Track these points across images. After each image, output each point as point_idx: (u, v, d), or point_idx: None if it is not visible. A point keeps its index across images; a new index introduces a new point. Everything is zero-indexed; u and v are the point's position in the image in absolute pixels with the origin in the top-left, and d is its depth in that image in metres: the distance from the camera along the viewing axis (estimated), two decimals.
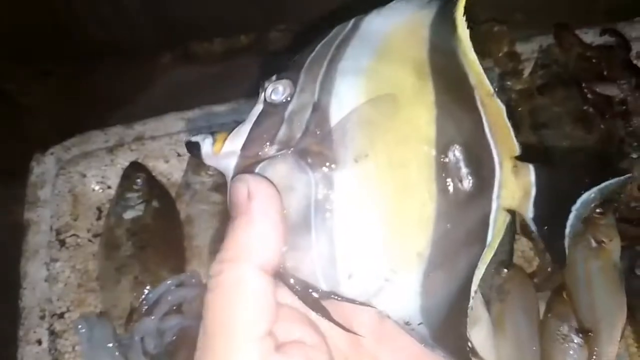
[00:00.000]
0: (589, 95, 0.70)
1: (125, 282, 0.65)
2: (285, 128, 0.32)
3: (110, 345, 0.64)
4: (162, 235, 0.67)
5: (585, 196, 0.33)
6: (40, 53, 0.85)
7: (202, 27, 0.87)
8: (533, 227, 0.33)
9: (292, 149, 0.31)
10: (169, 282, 0.64)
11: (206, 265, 0.66)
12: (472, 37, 0.34)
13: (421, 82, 0.32)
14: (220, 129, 0.34)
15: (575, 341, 0.56)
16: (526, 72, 0.76)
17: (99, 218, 0.74)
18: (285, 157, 0.31)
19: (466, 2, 0.34)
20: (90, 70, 0.85)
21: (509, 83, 0.74)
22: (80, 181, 0.75)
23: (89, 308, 0.69)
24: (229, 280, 0.29)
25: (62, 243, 0.71)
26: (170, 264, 0.66)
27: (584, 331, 0.56)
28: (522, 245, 0.69)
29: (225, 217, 0.67)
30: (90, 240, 0.72)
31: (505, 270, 0.61)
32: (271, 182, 0.31)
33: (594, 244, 0.61)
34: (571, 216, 0.33)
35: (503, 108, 0.33)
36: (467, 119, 0.32)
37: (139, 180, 0.70)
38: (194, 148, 0.34)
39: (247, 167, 0.32)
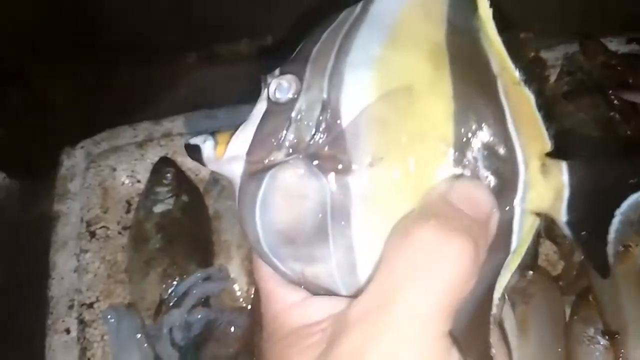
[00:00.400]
0: (614, 102, 0.71)
1: (154, 274, 0.66)
2: (293, 129, 0.30)
3: (139, 335, 0.65)
4: (190, 229, 0.68)
5: (634, 198, 0.30)
6: (71, 50, 0.86)
7: (229, 28, 0.88)
8: (568, 233, 0.31)
9: (302, 153, 0.29)
10: (196, 275, 0.65)
11: (233, 260, 0.67)
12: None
13: (438, 71, 0.29)
14: (221, 129, 0.32)
15: (601, 343, 0.57)
16: (552, 79, 0.77)
17: (128, 211, 0.75)
18: (296, 162, 0.29)
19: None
20: (119, 68, 0.86)
21: (533, 88, 0.75)
22: (110, 175, 0.76)
23: (117, 299, 0.70)
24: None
25: (92, 234, 0.73)
26: (198, 258, 0.67)
27: (611, 334, 0.56)
28: (546, 248, 0.70)
29: None
30: (119, 233, 0.74)
31: (530, 272, 0.62)
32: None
33: (620, 247, 0.62)
34: (615, 221, 0.30)
35: (531, 97, 0.30)
36: (488, 112, 0.29)
37: (168, 174, 0.71)
38: (194, 152, 0.32)
39: (255, 173, 0.30)
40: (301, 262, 0.30)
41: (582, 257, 0.65)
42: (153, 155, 0.76)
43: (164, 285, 0.66)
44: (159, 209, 0.70)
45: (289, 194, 0.29)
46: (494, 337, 0.30)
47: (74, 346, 0.68)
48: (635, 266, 0.62)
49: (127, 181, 0.76)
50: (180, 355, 0.61)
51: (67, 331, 0.69)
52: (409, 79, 0.29)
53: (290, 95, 0.30)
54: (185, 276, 0.65)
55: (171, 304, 0.64)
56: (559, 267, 0.68)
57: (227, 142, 0.31)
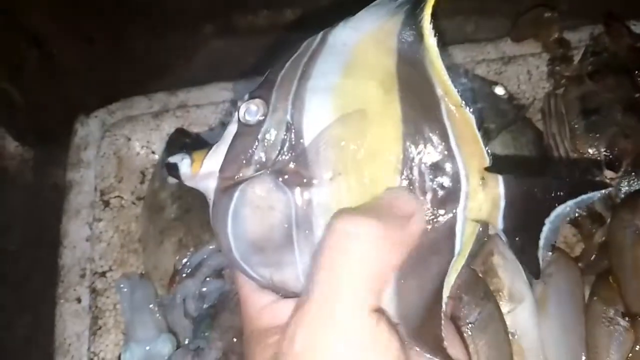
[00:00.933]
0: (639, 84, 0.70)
1: (168, 244, 0.66)
2: (260, 148, 0.33)
3: (152, 305, 0.65)
4: (206, 199, 0.68)
5: (560, 209, 0.33)
6: (86, 18, 0.85)
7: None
8: (504, 238, 0.34)
9: (269, 169, 0.33)
10: (211, 246, 0.65)
11: None
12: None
13: (389, 96, 0.33)
14: (196, 147, 0.35)
15: (622, 324, 0.56)
16: (576, 59, 0.76)
17: (142, 182, 0.74)
18: (263, 178, 0.33)
19: (433, 9, 0.34)
20: (135, 37, 0.85)
21: (558, 68, 0.74)
22: (125, 144, 0.76)
23: (130, 269, 0.69)
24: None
25: (106, 204, 0.72)
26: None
27: (631, 315, 0.55)
28: (565, 231, 0.69)
29: None
30: (133, 203, 0.73)
31: (550, 253, 0.61)
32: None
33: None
34: (545, 229, 0.33)
35: (472, 118, 0.33)
36: (434, 132, 0.33)
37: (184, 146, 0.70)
38: (172, 169, 0.35)
39: (227, 188, 0.33)
40: (270, 268, 0.33)
41: (603, 238, 0.64)
42: (168, 126, 0.75)
43: (178, 256, 0.65)
44: (173, 180, 0.69)
45: (258, 207, 0.32)
46: (448, 332, 0.32)
47: (84, 315, 0.67)
48: None
49: (142, 151, 0.76)
50: (194, 325, 0.61)
51: (79, 300, 0.69)
52: (363, 104, 0.33)
53: (258, 118, 0.33)
54: (200, 246, 0.65)
55: (185, 274, 0.64)
56: (577, 250, 0.68)
57: (202, 160, 0.34)
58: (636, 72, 0.70)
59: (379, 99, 0.33)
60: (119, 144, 0.75)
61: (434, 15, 0.34)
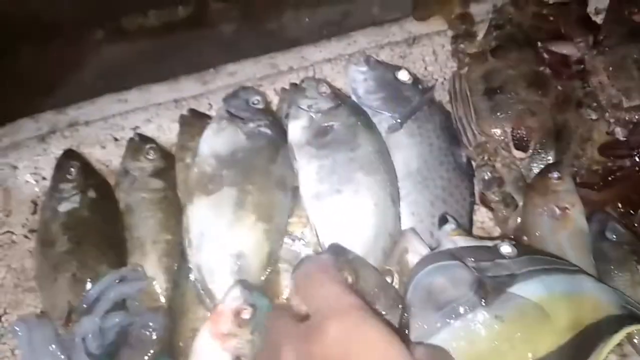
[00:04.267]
0: (544, 56, 0.67)
1: (62, 280, 0.61)
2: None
3: (53, 346, 0.60)
4: (99, 227, 0.63)
5: None
6: None
7: None
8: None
9: None
10: (109, 277, 0.60)
11: (149, 257, 0.62)
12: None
13: None
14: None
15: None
16: (480, 34, 0.73)
17: (34, 212, 0.69)
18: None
19: None
20: (15, 53, 0.78)
21: (462, 46, 0.71)
22: (11, 174, 0.70)
23: (28, 309, 0.64)
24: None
25: None
26: (110, 258, 0.62)
27: None
28: (482, 216, 0.67)
29: (167, 205, 0.63)
30: (26, 237, 0.67)
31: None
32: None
33: (557, 212, 0.59)
34: None
35: None
36: None
37: (72, 169, 0.65)
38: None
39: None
40: None
41: (519, 219, 0.63)
42: (57, 148, 0.70)
43: (74, 291, 0.60)
44: (64, 207, 0.64)
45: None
46: None
47: None
48: (577, 228, 0.59)
49: (31, 179, 0.70)
50: None
51: None
52: None
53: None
54: (97, 279, 0.60)
55: (83, 310, 0.59)
56: (495, 234, 0.66)
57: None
58: (539, 44, 0.68)
59: None
60: (4, 174, 0.69)
61: None
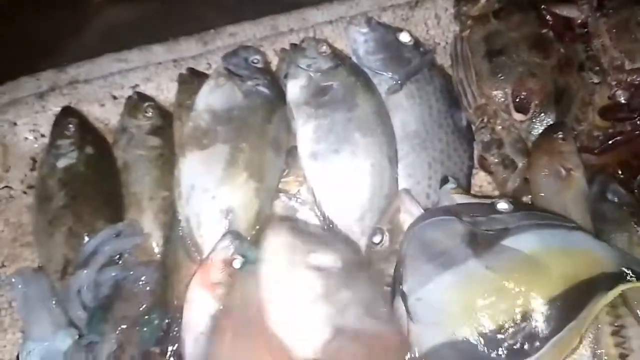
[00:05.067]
0: (547, 18, 0.66)
1: (59, 234, 0.61)
2: None
3: (49, 299, 0.60)
4: (96, 183, 0.63)
5: None
6: None
7: None
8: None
9: None
10: (105, 232, 0.60)
11: (145, 213, 0.62)
12: None
13: None
14: None
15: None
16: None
17: (33, 169, 0.69)
18: None
19: None
20: (18, 13, 0.78)
21: (465, 8, 0.70)
22: (10, 130, 0.70)
23: (25, 263, 0.65)
24: None
25: None
26: (107, 214, 0.62)
27: None
28: (480, 179, 0.67)
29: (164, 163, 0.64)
30: (24, 192, 0.68)
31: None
32: None
33: (563, 172, 0.58)
34: None
35: None
36: None
37: (70, 125, 0.65)
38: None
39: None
40: None
41: (518, 181, 0.62)
42: (55, 106, 0.70)
43: (69, 246, 0.60)
44: (62, 163, 0.64)
45: None
46: None
47: None
48: (579, 190, 0.59)
49: (30, 136, 0.70)
50: (87, 319, 0.56)
51: None
52: None
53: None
54: (93, 234, 0.60)
55: (79, 264, 0.59)
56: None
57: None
58: (542, 6, 0.67)
59: None
60: (3, 130, 0.70)
61: None
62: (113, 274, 0.58)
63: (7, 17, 0.80)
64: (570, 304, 0.47)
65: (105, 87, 0.70)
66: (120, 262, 0.60)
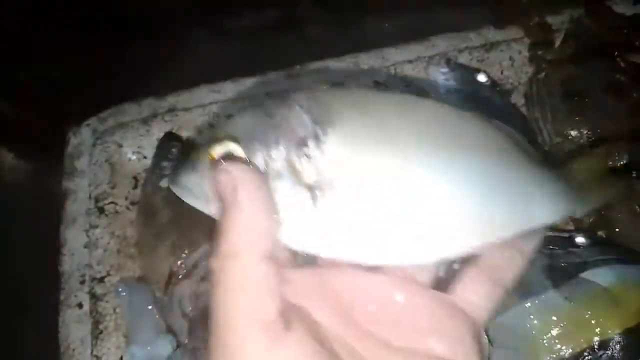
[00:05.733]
0: (621, 65, 0.70)
1: (163, 247, 0.67)
2: None
3: (150, 307, 0.66)
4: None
5: None
6: (74, 25, 0.87)
7: (234, 1, 0.88)
8: None
9: None
10: (205, 247, 0.66)
11: None
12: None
13: None
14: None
15: None
16: (557, 43, 0.76)
17: (135, 187, 0.76)
18: None
19: None
20: (123, 44, 0.86)
21: (539, 53, 0.74)
22: (116, 151, 0.77)
23: (128, 273, 0.71)
24: (230, 275, 0.31)
25: (101, 210, 0.74)
26: (206, 230, 0.68)
27: None
28: None
29: None
30: (128, 208, 0.74)
31: None
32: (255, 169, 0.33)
33: (638, 209, 0.61)
34: None
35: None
36: None
37: (173, 149, 0.72)
38: None
39: None
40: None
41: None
42: (158, 130, 0.76)
43: (172, 258, 0.66)
44: (165, 183, 0.70)
45: None
46: None
47: (86, 320, 0.69)
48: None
49: (133, 157, 0.77)
50: (191, 325, 0.62)
51: (80, 305, 0.70)
52: None
53: None
54: (194, 248, 0.66)
55: (180, 276, 0.65)
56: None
57: None
58: (616, 53, 0.71)
59: None
60: (110, 151, 0.77)
61: None
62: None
63: (110, 45, 0.88)
64: None
65: (203, 116, 0.77)
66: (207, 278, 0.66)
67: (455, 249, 0.35)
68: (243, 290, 0.30)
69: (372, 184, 0.34)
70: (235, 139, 0.34)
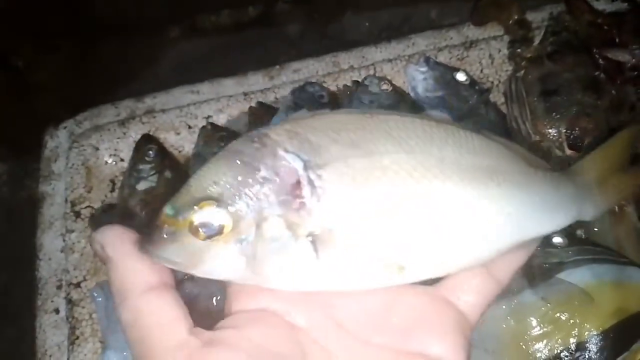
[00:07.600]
0: (600, 61, 0.70)
1: None
2: None
3: None
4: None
5: None
6: (50, 28, 0.85)
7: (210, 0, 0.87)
8: None
9: None
10: None
11: None
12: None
13: None
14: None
15: None
16: (536, 40, 0.76)
17: (112, 190, 0.75)
18: None
19: None
20: (99, 46, 0.85)
21: (518, 50, 0.74)
22: (93, 154, 0.76)
23: (104, 277, 0.70)
24: (129, 317, 0.32)
25: (77, 214, 0.73)
26: None
27: None
28: None
29: None
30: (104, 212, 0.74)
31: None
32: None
33: (616, 208, 0.61)
34: None
35: None
36: None
37: (150, 152, 0.71)
38: None
39: None
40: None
41: None
42: (135, 133, 0.76)
43: None
44: (142, 186, 0.69)
45: None
46: None
47: (63, 325, 0.68)
48: (631, 224, 0.62)
49: (110, 160, 0.76)
50: None
51: (57, 311, 0.69)
52: None
53: None
54: None
55: None
56: None
57: None
58: (595, 50, 0.70)
59: None
60: (86, 154, 0.76)
61: None
62: (188, 289, 0.63)
63: (87, 47, 0.87)
64: (621, 336, 0.50)
65: (181, 117, 0.76)
66: (195, 277, 0.65)
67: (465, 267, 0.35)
68: (143, 325, 0.32)
69: (375, 221, 0.31)
70: (215, 199, 0.31)
